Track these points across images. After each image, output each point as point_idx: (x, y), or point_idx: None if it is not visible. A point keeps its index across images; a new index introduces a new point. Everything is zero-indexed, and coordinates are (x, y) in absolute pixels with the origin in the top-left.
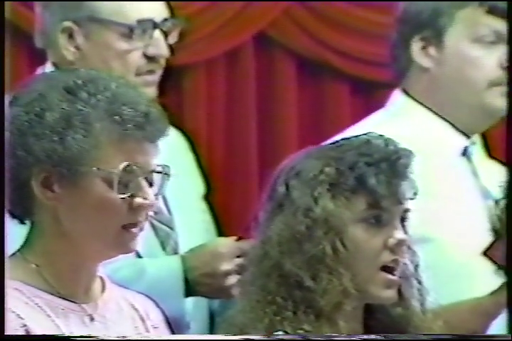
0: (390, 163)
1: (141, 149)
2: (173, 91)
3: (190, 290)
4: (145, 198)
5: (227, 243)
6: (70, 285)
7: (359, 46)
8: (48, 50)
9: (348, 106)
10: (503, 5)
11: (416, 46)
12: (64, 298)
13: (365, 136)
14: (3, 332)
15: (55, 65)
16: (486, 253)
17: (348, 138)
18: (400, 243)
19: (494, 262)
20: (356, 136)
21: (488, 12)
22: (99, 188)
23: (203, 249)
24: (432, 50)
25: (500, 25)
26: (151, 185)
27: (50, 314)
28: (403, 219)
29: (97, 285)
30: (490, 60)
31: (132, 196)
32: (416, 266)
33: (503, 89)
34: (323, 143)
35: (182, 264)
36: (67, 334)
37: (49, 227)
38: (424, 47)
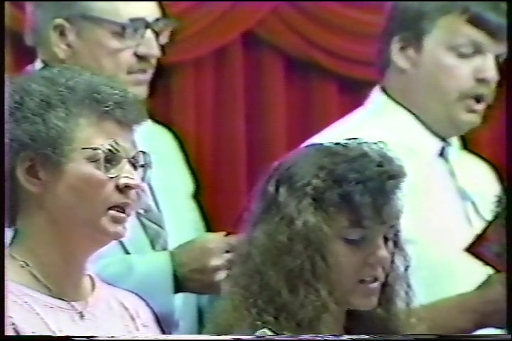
0: (379, 183)
1: (121, 133)
2: (161, 90)
3: (179, 286)
4: (131, 178)
5: (216, 238)
6: (60, 281)
7: (347, 45)
8: (38, 48)
9: (336, 105)
10: (486, 15)
11: (395, 46)
12: (53, 296)
13: (363, 147)
14: (3, 332)
15: (44, 62)
16: (470, 249)
17: (348, 144)
18: (381, 261)
19: (478, 258)
20: (357, 142)
21: (468, 21)
22: (85, 168)
23: (191, 245)
24: (410, 52)
25: (479, 36)
26: (135, 169)
27: (39, 312)
28: (386, 237)
29: (86, 283)
30: (464, 70)
31: (118, 176)
32: (406, 268)
33: (472, 104)
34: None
35: (171, 260)
36: (56, 332)
37: (36, 220)
38: (403, 48)
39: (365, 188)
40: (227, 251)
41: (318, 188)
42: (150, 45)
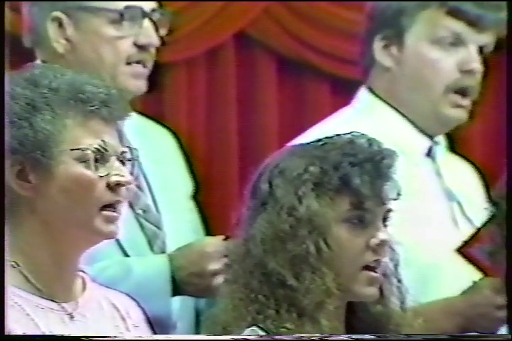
0: (374, 164)
1: (108, 130)
2: (153, 89)
3: (177, 289)
4: (121, 176)
5: (215, 242)
6: (50, 282)
7: (339, 45)
8: (36, 49)
9: (329, 105)
10: (464, 6)
11: (378, 45)
12: (44, 297)
13: (348, 136)
14: (3, 332)
15: (44, 63)
16: (460, 250)
17: (331, 137)
18: (382, 243)
19: (469, 260)
20: (339, 135)
21: (448, 13)
22: (75, 169)
23: (190, 249)
24: (393, 50)
25: (460, 27)
26: (123, 166)
27: (30, 313)
28: (385, 219)
29: (77, 283)
30: (448, 63)
31: (108, 175)
32: (396, 265)
33: (458, 99)
34: (306, 141)
35: (169, 263)
36: (47, 332)
37: (27, 222)
38: (385, 46)
39: (362, 170)
40: (226, 256)
41: (316, 174)
42: (149, 35)
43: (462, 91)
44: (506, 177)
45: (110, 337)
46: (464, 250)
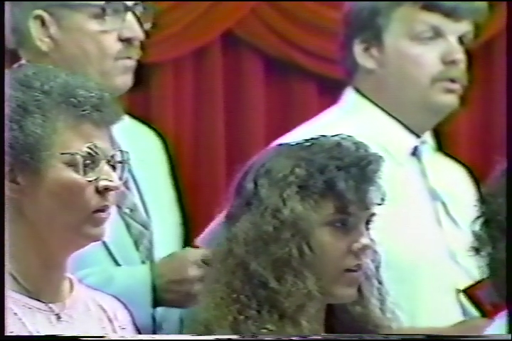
0: (360, 168)
1: (99, 134)
2: (140, 90)
3: (158, 299)
4: (110, 180)
5: (198, 251)
6: (38, 283)
7: (326, 45)
8: (20, 50)
9: (315, 105)
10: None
11: (358, 48)
12: (31, 297)
13: (336, 138)
14: (4, 332)
15: (29, 62)
16: (467, 291)
17: (319, 138)
18: (364, 248)
19: (472, 301)
20: (326, 137)
21: (423, 8)
22: (64, 173)
23: (172, 257)
24: (374, 51)
25: (437, 19)
26: (113, 169)
27: (17, 312)
28: (368, 224)
29: (65, 285)
30: (430, 56)
31: (97, 179)
32: (377, 266)
33: (447, 84)
34: (293, 140)
35: (150, 272)
36: (34, 332)
37: (14, 223)
38: (366, 49)
39: (348, 174)
40: (207, 264)
41: (301, 176)
42: (132, 28)
43: (450, 80)
44: (506, 177)
45: (97, 337)
46: (470, 291)
